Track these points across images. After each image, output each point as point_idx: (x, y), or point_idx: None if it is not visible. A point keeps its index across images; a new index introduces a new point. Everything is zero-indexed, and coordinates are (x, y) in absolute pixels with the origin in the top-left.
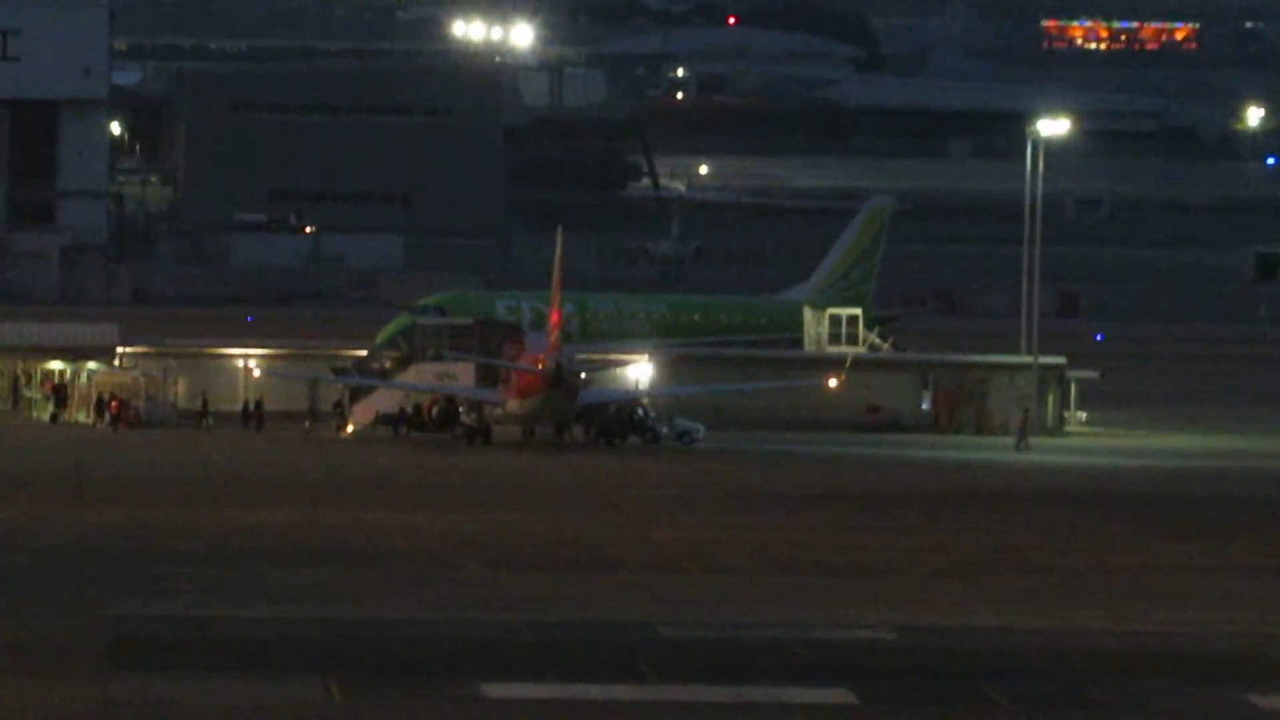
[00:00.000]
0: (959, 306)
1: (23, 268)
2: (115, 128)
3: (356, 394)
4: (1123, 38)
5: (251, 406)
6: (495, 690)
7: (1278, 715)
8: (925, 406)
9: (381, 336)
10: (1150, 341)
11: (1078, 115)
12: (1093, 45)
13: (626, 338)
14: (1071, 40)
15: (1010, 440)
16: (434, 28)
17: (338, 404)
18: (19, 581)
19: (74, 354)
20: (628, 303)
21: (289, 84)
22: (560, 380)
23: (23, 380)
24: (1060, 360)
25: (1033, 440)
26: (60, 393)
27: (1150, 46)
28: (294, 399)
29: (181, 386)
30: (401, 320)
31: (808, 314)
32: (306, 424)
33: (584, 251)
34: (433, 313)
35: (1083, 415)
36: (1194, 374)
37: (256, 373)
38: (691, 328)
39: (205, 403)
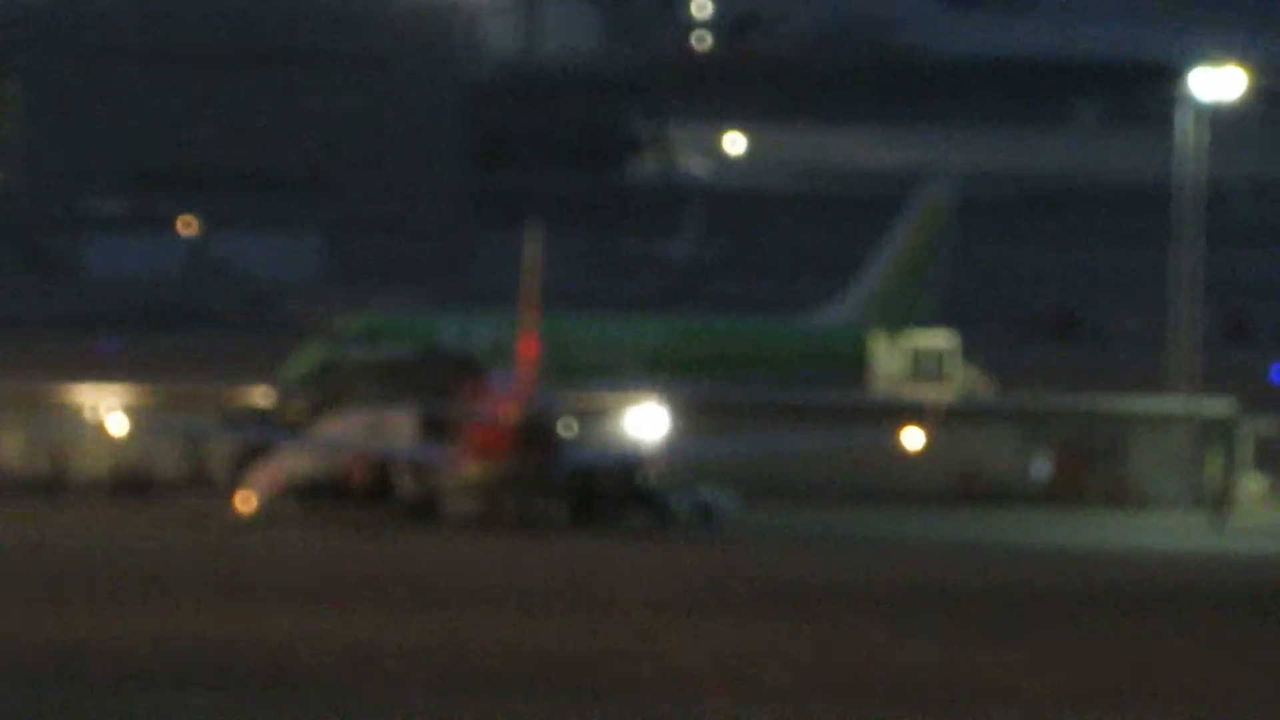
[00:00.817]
0: (1085, 330)
1: None
2: None
3: (256, 455)
4: None
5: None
6: None
7: None
8: (1039, 470)
9: (291, 373)
10: None
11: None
12: None
13: (609, 374)
14: None
15: (1160, 514)
16: None
17: (235, 467)
18: None
19: None
20: (611, 328)
21: (162, 24)
22: (536, 436)
23: None
24: (1227, 407)
25: (1192, 516)
26: None
27: None
28: (168, 460)
29: (12, 441)
30: (317, 351)
31: (877, 344)
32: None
33: (569, 256)
34: (360, 341)
35: (1259, 482)
36: None
37: (116, 426)
38: (696, 361)
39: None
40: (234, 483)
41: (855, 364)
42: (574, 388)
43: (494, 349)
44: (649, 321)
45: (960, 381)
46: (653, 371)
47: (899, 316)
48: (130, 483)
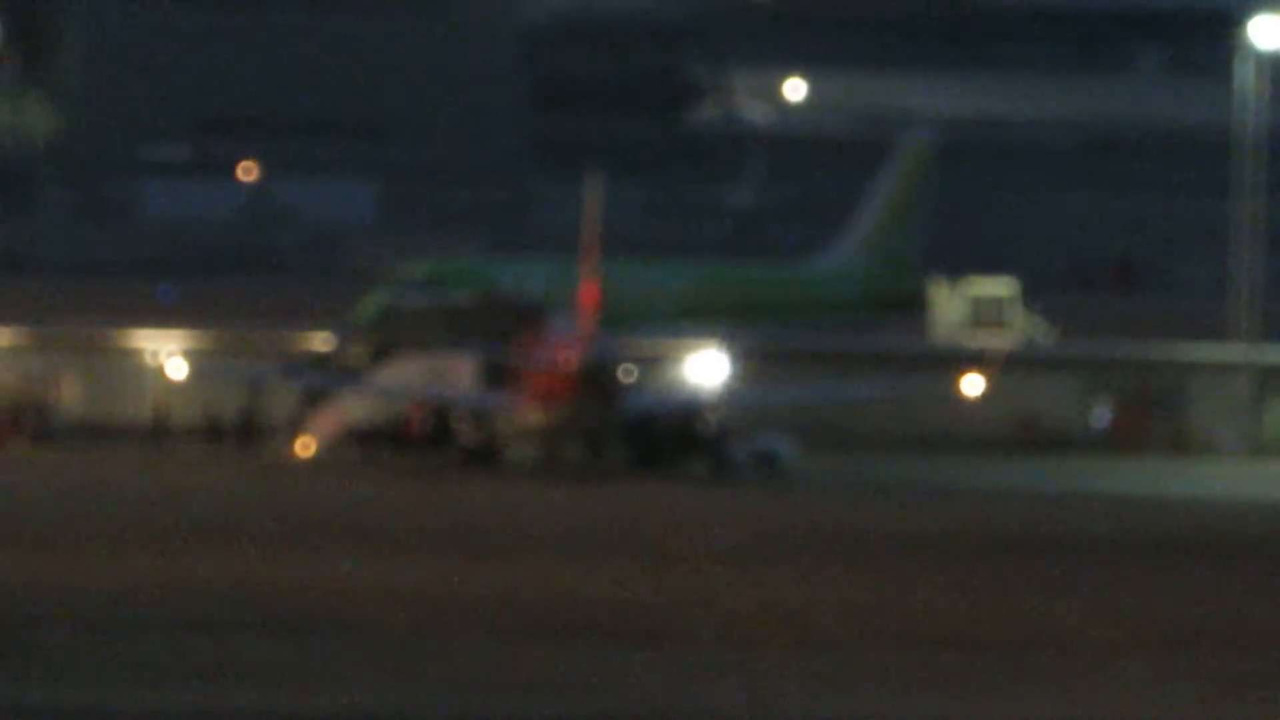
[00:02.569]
0: (1146, 280)
1: None
2: None
3: (316, 401)
4: None
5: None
6: None
7: None
8: (1101, 418)
9: (353, 319)
10: None
11: None
12: None
13: (639, 320)
14: None
15: (1221, 464)
16: None
17: (292, 414)
18: None
19: None
20: (646, 272)
21: None
22: (596, 382)
23: None
24: None
25: (1254, 466)
26: None
27: None
28: (227, 406)
29: (71, 388)
30: (379, 297)
31: (939, 291)
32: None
33: (629, 203)
34: (423, 288)
35: None
36: None
37: (177, 369)
38: (720, 307)
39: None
40: (294, 429)
41: (857, 308)
42: (629, 334)
43: (554, 295)
44: (678, 267)
45: (1020, 329)
46: (682, 317)
47: (890, 260)
48: (192, 428)
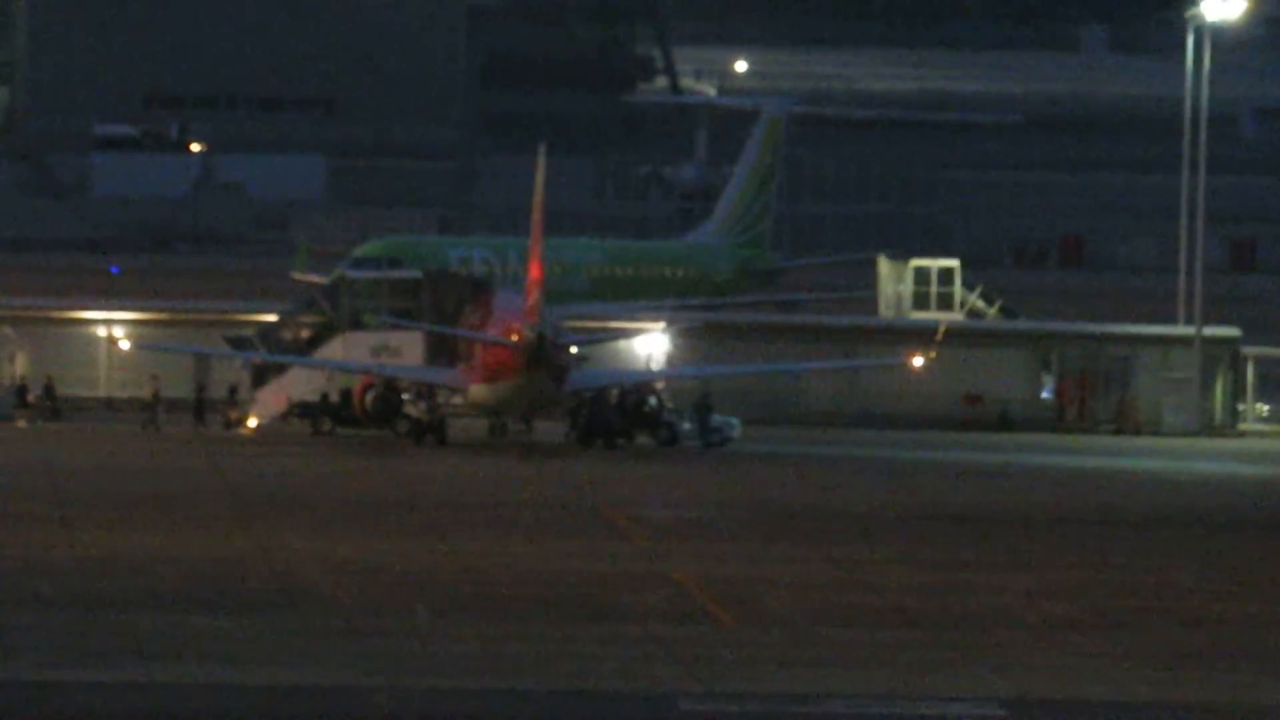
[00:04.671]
0: (1092, 257)
1: None
2: None
3: (262, 375)
4: None
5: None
6: None
7: None
8: (1046, 394)
9: (302, 292)
10: None
11: None
12: None
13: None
14: None
15: (1166, 440)
16: None
17: (201, 388)
18: None
19: None
20: (565, 250)
21: None
22: (543, 356)
23: None
24: (1232, 332)
25: (1198, 442)
26: None
27: None
28: (178, 382)
29: (20, 363)
30: (329, 273)
31: (883, 265)
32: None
33: (576, 178)
34: (370, 264)
35: (1264, 408)
36: None
37: (124, 344)
38: (625, 284)
39: (155, 388)
40: (241, 403)
41: (730, 282)
42: (585, 311)
43: (501, 271)
44: (586, 243)
45: (966, 306)
46: (593, 295)
47: (751, 235)
48: (137, 403)
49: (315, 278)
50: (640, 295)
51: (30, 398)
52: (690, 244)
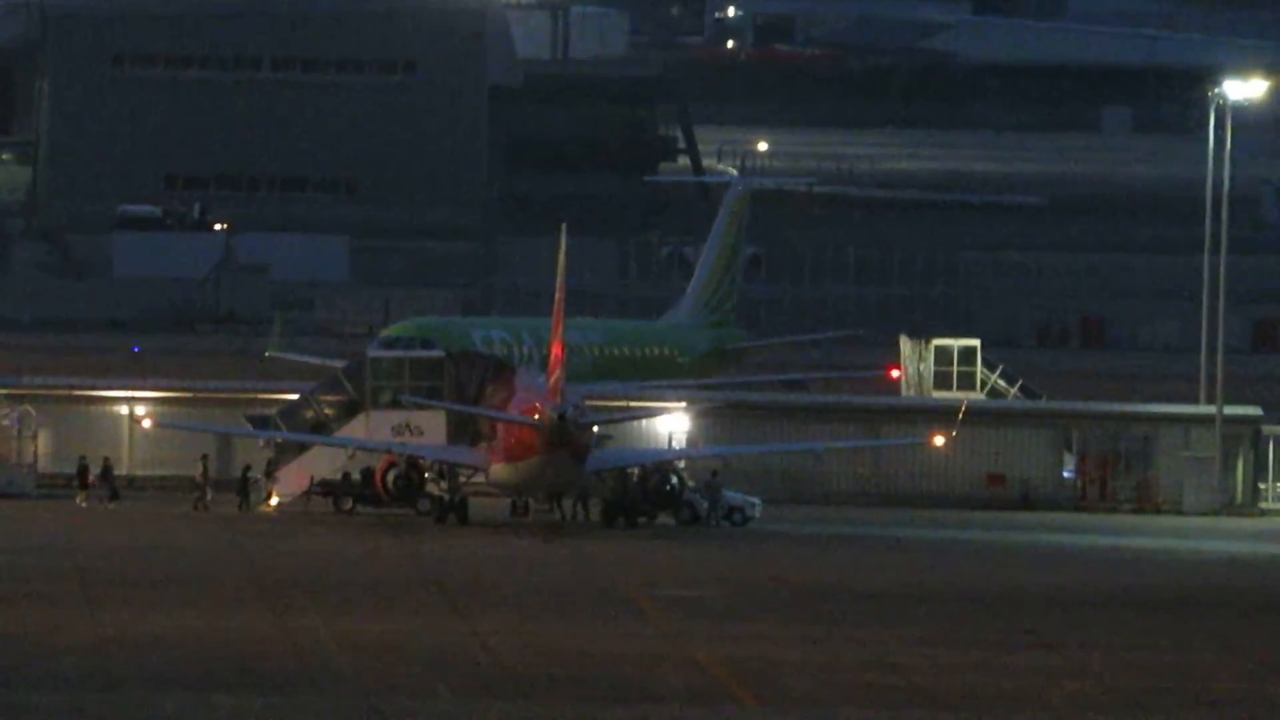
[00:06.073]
0: (1114, 338)
1: None
2: None
3: (283, 453)
4: None
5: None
6: None
7: None
8: (1068, 474)
9: (324, 373)
10: None
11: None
12: None
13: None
14: None
15: (1187, 520)
16: None
17: (246, 468)
18: None
19: None
20: (568, 331)
21: (193, 27)
22: (565, 436)
23: None
24: (1254, 411)
25: (1219, 521)
26: None
27: None
28: (195, 461)
29: (43, 442)
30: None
31: (905, 345)
32: (200, 492)
33: (600, 259)
34: (394, 344)
35: None
36: None
37: (146, 423)
38: (622, 364)
39: (204, 467)
40: (265, 482)
41: (706, 361)
42: (604, 390)
43: (525, 351)
44: (586, 323)
45: (988, 385)
46: (595, 375)
47: (721, 315)
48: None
49: (293, 357)
50: (640, 375)
51: (90, 479)
52: (670, 325)
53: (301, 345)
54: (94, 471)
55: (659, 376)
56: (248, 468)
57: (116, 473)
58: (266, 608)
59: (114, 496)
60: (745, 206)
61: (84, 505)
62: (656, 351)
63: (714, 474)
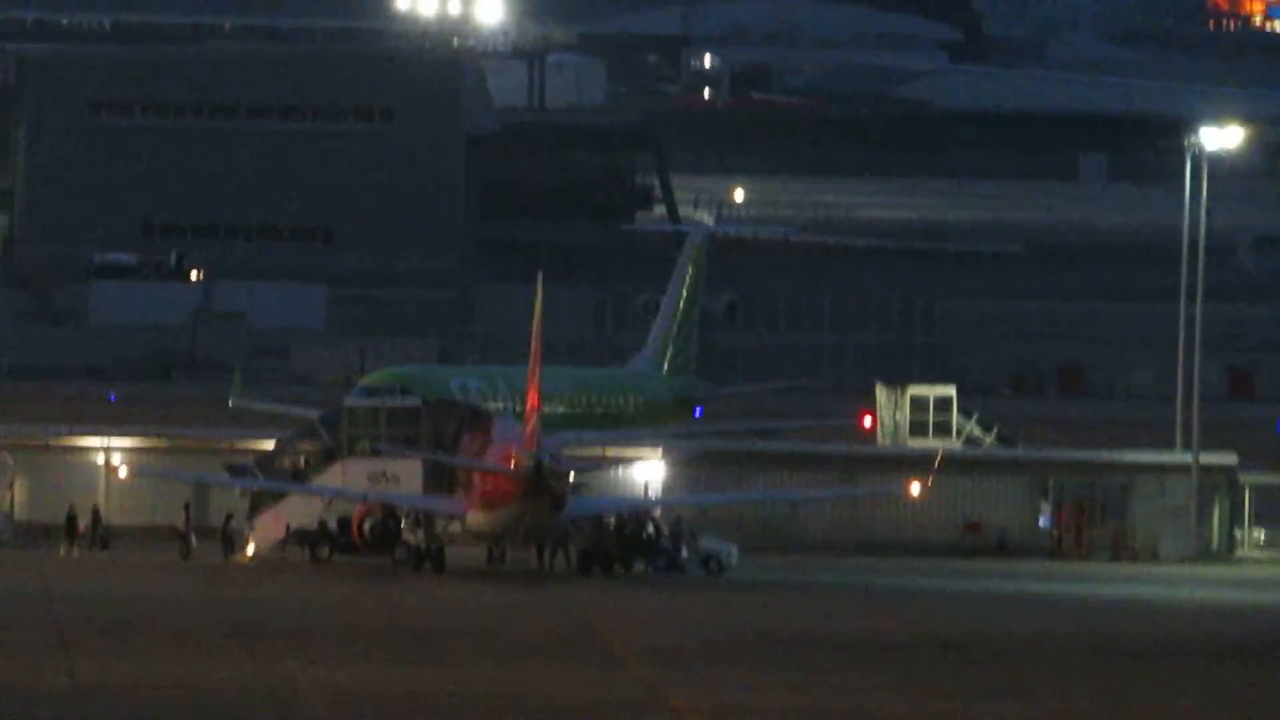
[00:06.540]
0: (1091, 385)
1: None
2: None
3: (259, 502)
4: None
5: (88, 518)
6: None
7: None
8: (1044, 522)
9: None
10: None
11: (1255, 123)
12: (1277, 25)
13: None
14: (1246, 19)
15: (1163, 567)
16: (371, 1)
17: (229, 517)
18: None
19: None
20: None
21: (170, 75)
22: (541, 484)
23: None
24: (1230, 459)
25: (1195, 569)
26: None
27: None
28: (172, 509)
29: (20, 491)
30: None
31: (881, 393)
32: (184, 541)
33: (576, 307)
34: (370, 392)
35: (1260, 535)
36: None
37: (123, 472)
38: (589, 412)
39: (187, 516)
40: (240, 531)
41: (668, 409)
42: (583, 438)
43: (500, 400)
44: (553, 371)
45: (963, 434)
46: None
47: (683, 362)
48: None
49: (257, 405)
50: (608, 424)
51: (80, 527)
52: (633, 373)
53: (278, 395)
54: (83, 521)
55: (626, 425)
56: (229, 516)
57: (82, 521)
58: (244, 655)
59: (104, 545)
60: (703, 255)
61: (75, 556)
62: (623, 400)
63: (677, 522)
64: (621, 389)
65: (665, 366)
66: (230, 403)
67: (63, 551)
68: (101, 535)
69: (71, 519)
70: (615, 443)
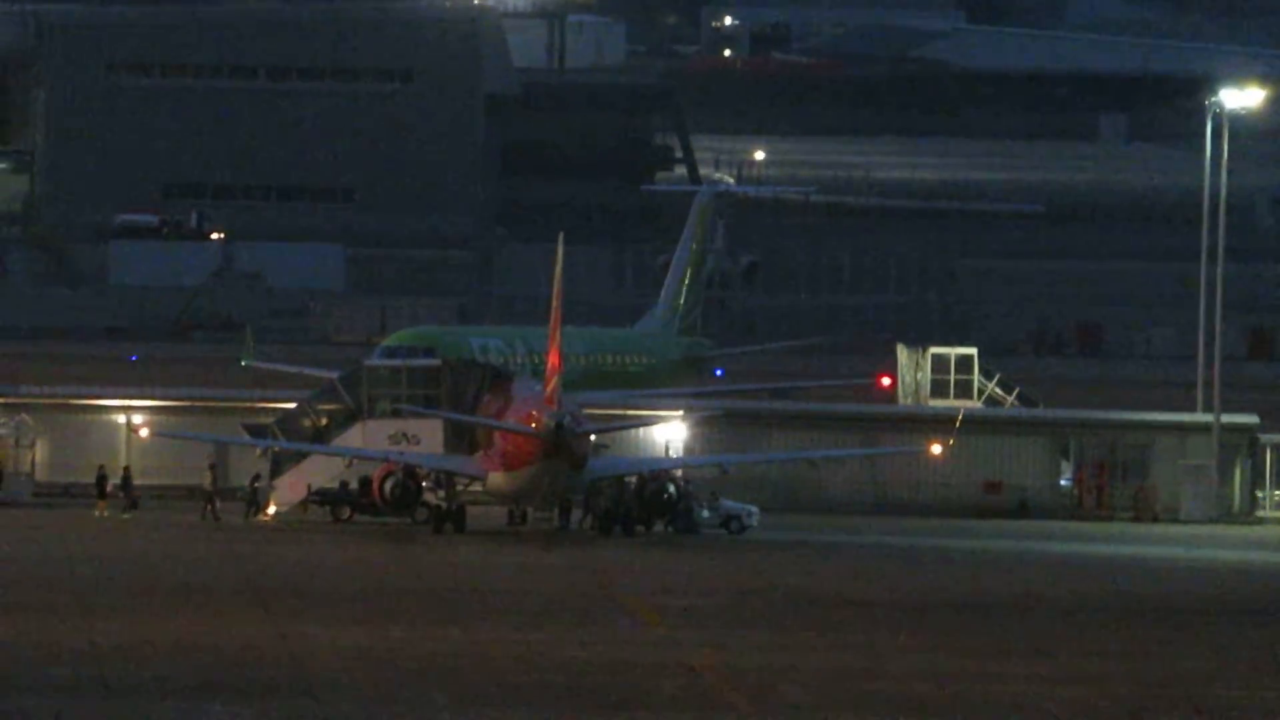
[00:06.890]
0: (1111, 346)
1: None
2: None
3: (281, 463)
4: None
5: (118, 479)
6: None
7: None
8: (1065, 482)
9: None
10: None
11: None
12: None
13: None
14: None
15: (1184, 528)
16: None
17: (255, 477)
18: None
19: None
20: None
21: (188, 36)
22: (562, 444)
23: None
24: (1251, 419)
25: (1216, 529)
26: None
27: None
28: (194, 470)
29: (41, 451)
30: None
31: (902, 353)
32: (209, 503)
33: (596, 267)
34: (395, 352)
35: None
36: None
37: (144, 432)
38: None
39: (214, 476)
40: (261, 491)
41: (679, 368)
42: (602, 399)
43: (509, 360)
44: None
45: (985, 394)
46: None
47: (690, 321)
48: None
49: (268, 366)
50: (624, 384)
51: (109, 487)
52: (644, 332)
53: (295, 355)
54: (113, 481)
55: (641, 385)
56: (256, 476)
57: (112, 481)
58: (263, 616)
59: (133, 506)
60: (709, 215)
61: (105, 515)
62: (638, 359)
63: (685, 483)
64: (636, 348)
65: (677, 325)
66: (242, 362)
67: (97, 513)
68: (130, 496)
69: (101, 479)
70: (634, 403)
